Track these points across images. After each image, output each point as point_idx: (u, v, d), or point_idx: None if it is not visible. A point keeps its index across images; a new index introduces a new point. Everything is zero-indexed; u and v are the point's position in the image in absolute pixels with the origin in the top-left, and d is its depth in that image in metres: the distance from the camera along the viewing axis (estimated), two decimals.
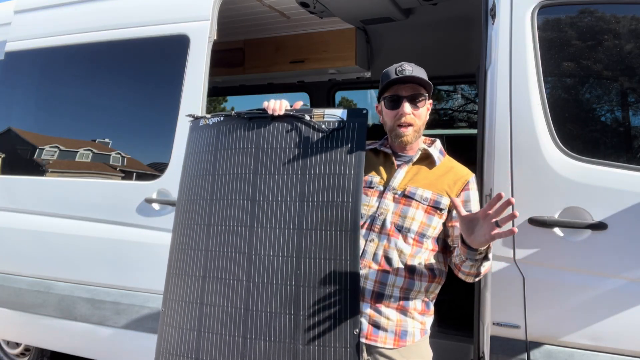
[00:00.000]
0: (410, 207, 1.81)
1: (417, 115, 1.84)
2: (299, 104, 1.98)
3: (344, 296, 1.71)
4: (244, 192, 1.91)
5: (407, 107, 1.82)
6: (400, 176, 1.87)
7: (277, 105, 1.93)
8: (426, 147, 1.92)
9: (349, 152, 1.83)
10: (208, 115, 2.11)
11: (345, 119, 1.88)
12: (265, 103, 1.96)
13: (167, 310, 1.99)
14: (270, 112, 1.93)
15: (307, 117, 1.91)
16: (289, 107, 1.95)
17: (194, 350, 1.86)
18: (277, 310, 1.76)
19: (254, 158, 1.93)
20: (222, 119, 2.06)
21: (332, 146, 1.86)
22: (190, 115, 2.17)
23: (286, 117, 1.94)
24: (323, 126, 1.88)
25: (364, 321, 1.76)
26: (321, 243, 1.77)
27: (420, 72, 1.84)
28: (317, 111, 1.92)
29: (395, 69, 1.83)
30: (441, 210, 1.82)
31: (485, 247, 1.63)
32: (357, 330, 1.68)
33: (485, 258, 1.70)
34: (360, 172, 1.80)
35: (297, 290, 1.76)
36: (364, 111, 1.88)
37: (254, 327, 1.78)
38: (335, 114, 1.89)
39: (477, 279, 1.81)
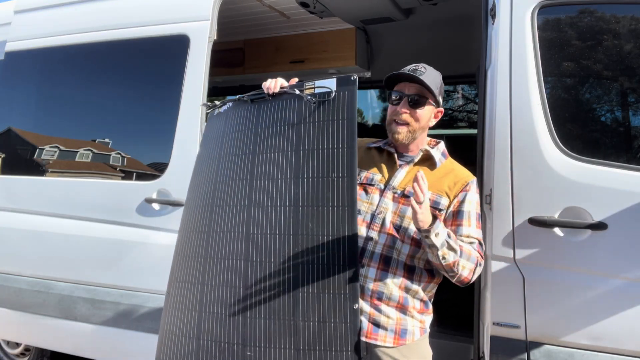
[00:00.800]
0: (409, 207, 1.80)
1: (414, 116, 1.84)
2: (294, 81, 1.97)
3: (342, 272, 1.70)
4: (243, 172, 1.91)
5: (405, 105, 1.83)
6: (401, 176, 1.87)
7: (273, 83, 1.94)
8: (428, 148, 1.92)
9: (340, 124, 1.80)
10: (218, 103, 2.14)
11: (334, 89, 1.84)
12: (264, 83, 1.97)
13: (171, 292, 2.00)
14: (266, 91, 1.94)
15: (297, 92, 1.89)
16: (285, 85, 1.95)
17: (195, 330, 1.86)
18: (275, 288, 1.75)
19: (253, 138, 1.94)
20: (230, 105, 2.09)
21: (323, 119, 1.83)
22: (205, 105, 2.22)
23: (282, 95, 1.93)
24: (313, 99, 1.86)
25: (364, 319, 1.76)
26: (318, 219, 1.74)
27: (433, 77, 1.85)
28: (308, 84, 1.90)
29: (410, 67, 1.85)
30: (440, 210, 1.82)
31: (425, 228, 1.63)
32: (356, 305, 1.67)
33: (445, 247, 1.68)
34: (354, 145, 1.77)
35: (295, 267, 1.74)
36: (353, 77, 1.83)
37: (253, 306, 1.77)
38: (324, 85, 1.86)
39: (455, 279, 1.77)
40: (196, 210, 2.03)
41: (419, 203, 1.60)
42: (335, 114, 1.82)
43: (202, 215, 1.98)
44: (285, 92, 1.92)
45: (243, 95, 2.04)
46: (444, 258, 1.69)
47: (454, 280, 1.78)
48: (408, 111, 1.83)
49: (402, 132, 1.85)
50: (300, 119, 1.86)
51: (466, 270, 1.74)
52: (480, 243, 1.82)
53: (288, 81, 1.98)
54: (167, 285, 2.04)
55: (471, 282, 1.80)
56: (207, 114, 2.24)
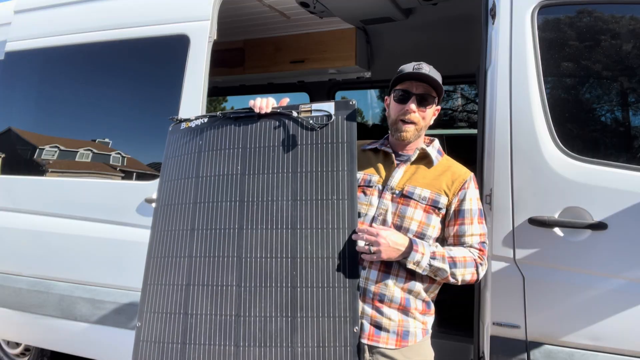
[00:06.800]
0: (408, 207, 1.81)
1: (422, 115, 1.85)
2: (285, 101, 1.96)
3: (342, 294, 1.69)
4: (232, 194, 1.85)
5: (414, 104, 1.82)
6: (399, 175, 1.87)
7: (264, 103, 1.92)
8: (424, 146, 1.92)
9: (340, 148, 1.80)
10: (192, 117, 2.05)
11: (333, 112, 1.84)
12: (251, 102, 1.95)
13: (144, 324, 1.87)
14: (257, 110, 1.92)
15: (295, 114, 1.87)
16: (275, 105, 1.93)
17: None
18: (272, 314, 1.71)
19: (242, 158, 1.88)
20: (205, 120, 2.01)
21: (322, 142, 1.82)
22: (172, 118, 2.12)
23: (273, 115, 1.90)
24: (311, 121, 1.85)
25: (365, 322, 1.75)
26: (317, 242, 1.73)
27: (436, 76, 1.85)
28: (304, 107, 1.89)
29: (413, 66, 1.84)
30: (440, 209, 1.82)
31: (397, 259, 1.72)
32: (356, 328, 1.66)
33: (429, 270, 1.73)
34: (354, 168, 1.77)
35: (293, 291, 1.71)
36: (352, 102, 1.84)
37: (246, 334, 1.72)
38: (322, 109, 1.86)
39: (458, 284, 1.80)
40: (172, 233, 1.92)
41: (369, 255, 1.69)
42: (335, 137, 1.81)
43: (181, 238, 1.88)
44: (278, 112, 1.90)
45: (224, 112, 1.98)
46: (435, 276, 1.76)
47: (458, 284, 1.81)
48: (416, 110, 1.83)
49: (409, 131, 1.84)
50: (297, 141, 1.84)
51: (467, 276, 1.77)
52: (483, 241, 1.84)
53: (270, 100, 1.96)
54: (137, 317, 1.89)
55: (479, 280, 1.83)
56: (170, 127, 2.11)
